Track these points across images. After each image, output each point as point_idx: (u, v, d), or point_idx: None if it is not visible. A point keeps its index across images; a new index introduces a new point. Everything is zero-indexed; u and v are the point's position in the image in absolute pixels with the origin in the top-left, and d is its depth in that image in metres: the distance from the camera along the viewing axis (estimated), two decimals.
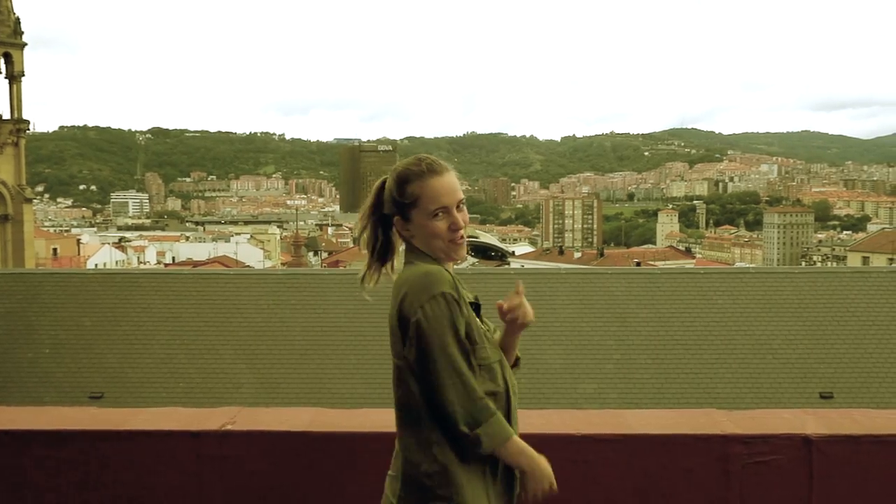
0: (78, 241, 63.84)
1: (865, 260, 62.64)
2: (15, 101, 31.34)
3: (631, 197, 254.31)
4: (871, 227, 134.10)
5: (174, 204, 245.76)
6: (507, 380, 2.18)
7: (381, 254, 2.26)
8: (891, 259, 58.94)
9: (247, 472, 2.79)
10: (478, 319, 2.17)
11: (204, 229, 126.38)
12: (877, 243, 69.23)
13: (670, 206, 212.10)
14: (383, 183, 2.26)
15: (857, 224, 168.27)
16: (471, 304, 2.16)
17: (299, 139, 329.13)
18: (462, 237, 2.18)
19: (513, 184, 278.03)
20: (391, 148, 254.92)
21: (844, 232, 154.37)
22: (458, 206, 2.19)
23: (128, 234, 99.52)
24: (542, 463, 2.11)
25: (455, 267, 2.27)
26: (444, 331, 2.02)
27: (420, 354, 2.03)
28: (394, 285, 2.17)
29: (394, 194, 2.21)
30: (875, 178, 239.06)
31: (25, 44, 31.66)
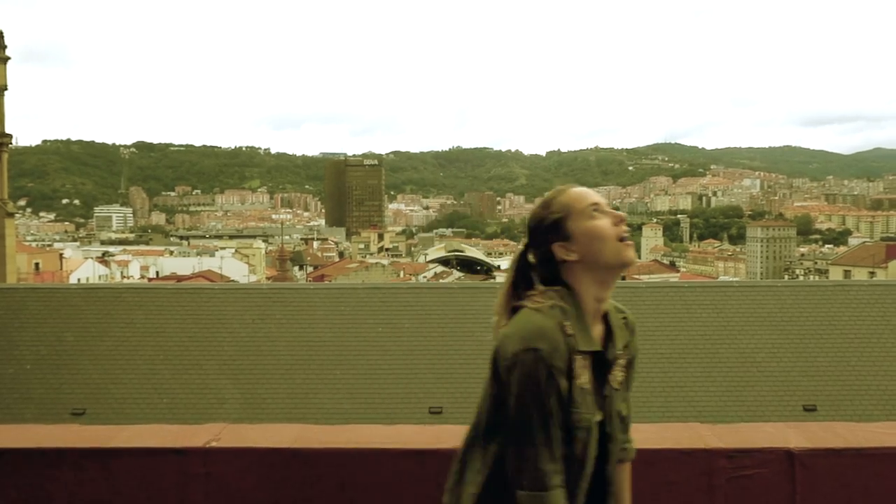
0: (61, 255, 63.18)
1: (847, 273, 63.21)
2: None
3: None
4: (853, 241, 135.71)
5: (158, 218, 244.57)
6: (600, 442, 2.07)
7: (515, 289, 2.06)
8: (872, 272, 59.58)
9: (232, 490, 2.77)
10: (587, 374, 1.98)
11: (188, 244, 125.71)
12: (858, 257, 70.02)
13: (654, 220, 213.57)
14: (524, 249, 2.11)
15: (839, 238, 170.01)
16: (595, 352, 2.02)
17: (284, 153, 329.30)
18: (628, 233, 2.07)
19: (498, 198, 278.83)
20: (377, 162, 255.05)
21: (826, 246, 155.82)
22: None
23: (111, 249, 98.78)
24: None
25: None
26: (525, 389, 1.87)
27: (505, 397, 1.92)
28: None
29: (543, 216, 2.06)
30: (856, 193, 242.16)
31: (9, 58, 31.55)
